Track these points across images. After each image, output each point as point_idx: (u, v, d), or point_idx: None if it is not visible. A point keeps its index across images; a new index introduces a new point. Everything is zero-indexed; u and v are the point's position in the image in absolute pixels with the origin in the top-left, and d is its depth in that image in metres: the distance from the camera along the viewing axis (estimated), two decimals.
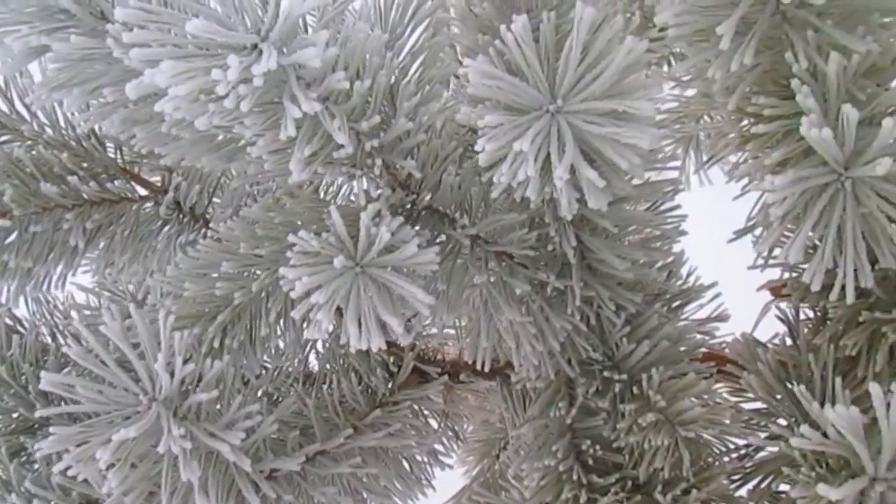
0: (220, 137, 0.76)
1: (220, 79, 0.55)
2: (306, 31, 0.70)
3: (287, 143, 0.66)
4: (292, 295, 0.67)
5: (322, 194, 0.91)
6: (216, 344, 0.79)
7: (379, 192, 0.71)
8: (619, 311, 0.85)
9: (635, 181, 0.83)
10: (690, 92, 1.10)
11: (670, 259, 0.86)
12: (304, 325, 0.82)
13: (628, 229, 0.83)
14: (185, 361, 0.74)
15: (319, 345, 1.12)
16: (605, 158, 0.63)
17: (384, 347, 0.71)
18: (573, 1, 0.74)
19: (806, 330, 0.88)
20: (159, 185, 1.00)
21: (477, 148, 0.62)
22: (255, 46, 0.58)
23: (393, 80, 0.71)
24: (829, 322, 0.80)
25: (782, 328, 1.00)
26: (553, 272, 0.83)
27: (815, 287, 0.61)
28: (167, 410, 0.70)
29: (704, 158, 1.18)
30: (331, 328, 0.70)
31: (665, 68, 1.08)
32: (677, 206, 0.85)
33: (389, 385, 1.03)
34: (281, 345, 0.88)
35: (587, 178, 0.63)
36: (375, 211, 0.68)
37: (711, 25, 0.59)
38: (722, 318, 1.03)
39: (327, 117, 0.63)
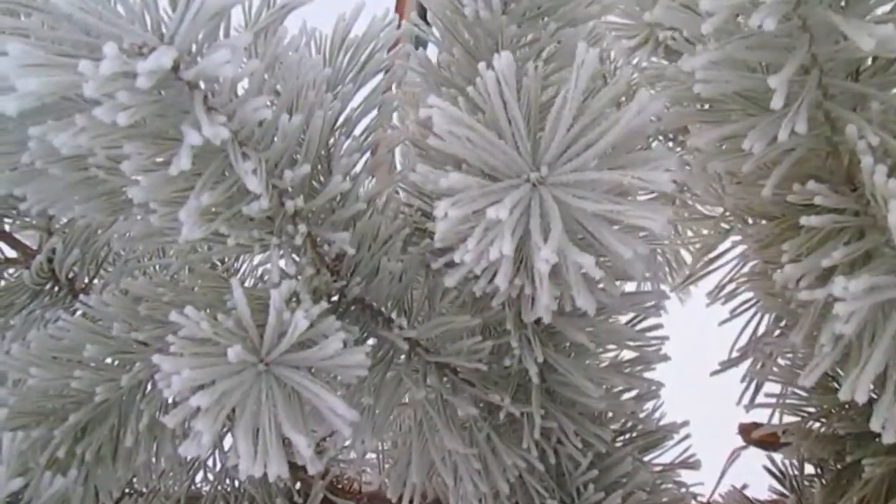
0: (101, 178, 0.59)
1: (88, 74, 0.39)
2: None
3: (182, 187, 0.49)
4: (167, 393, 0.49)
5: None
6: (62, 453, 0.59)
7: (298, 271, 0.55)
8: (584, 450, 0.68)
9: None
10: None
11: (652, 388, 0.70)
12: (184, 432, 0.63)
13: (604, 348, 0.67)
14: (16, 474, 0.54)
15: (211, 461, 0.92)
16: (601, 244, 0.49)
17: (285, 475, 0.53)
18: (564, 53, 0.61)
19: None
20: (33, 248, 0.82)
21: (437, 213, 0.46)
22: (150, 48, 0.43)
23: (332, 126, 0.56)
24: (849, 481, 0.64)
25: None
26: (507, 394, 0.66)
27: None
28: None
29: (680, 275, 1.06)
30: (216, 443, 0.52)
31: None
32: (659, 325, 0.70)
33: None
34: (153, 461, 0.68)
35: (576, 267, 0.48)
36: (291, 292, 0.51)
37: (750, 88, 0.46)
38: (693, 464, 0.87)
39: (238, 154, 0.47)
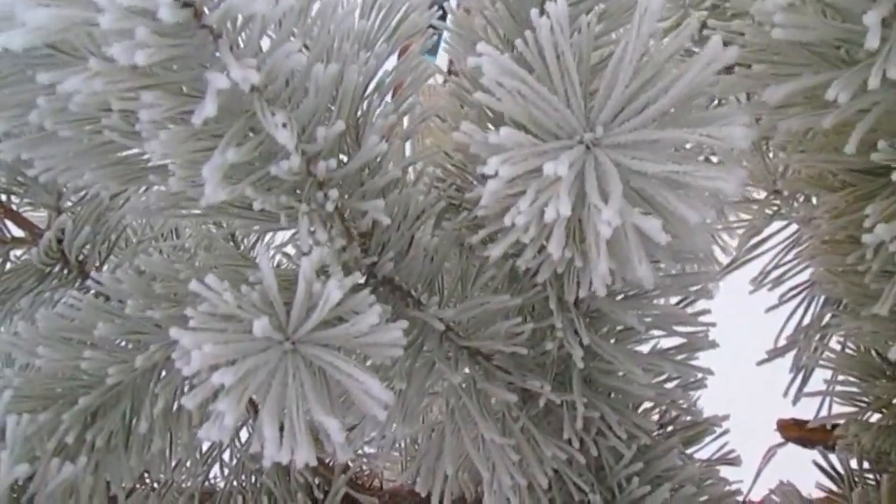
0: (114, 145, 0.55)
1: (105, 5, 0.35)
2: None
3: (203, 146, 0.45)
4: (186, 371, 0.45)
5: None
6: (71, 439, 0.54)
7: (329, 239, 0.50)
8: (629, 441, 0.64)
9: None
10: None
11: (699, 377, 0.66)
12: (203, 416, 0.59)
13: (651, 333, 0.63)
14: (21, 461, 0.50)
15: (227, 455, 0.88)
16: (663, 210, 0.44)
17: (313, 462, 0.49)
18: (613, 13, 0.57)
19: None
20: (42, 227, 0.77)
21: (487, 170, 0.42)
22: None
23: (366, 87, 0.52)
24: None
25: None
26: (546, 381, 0.62)
27: None
28: None
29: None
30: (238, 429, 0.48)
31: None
32: (707, 311, 0.65)
33: None
34: (168, 450, 0.64)
35: (636, 234, 0.43)
36: (322, 261, 0.47)
37: (831, 37, 0.42)
38: (733, 461, 0.83)
39: (266, 109, 0.43)
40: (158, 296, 0.59)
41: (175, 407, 0.59)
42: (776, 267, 0.78)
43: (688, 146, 0.46)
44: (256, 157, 0.47)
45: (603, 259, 0.43)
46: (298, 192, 0.51)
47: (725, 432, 0.81)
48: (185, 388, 0.60)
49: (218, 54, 0.41)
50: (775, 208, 0.80)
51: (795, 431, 0.95)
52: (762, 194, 0.82)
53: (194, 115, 0.39)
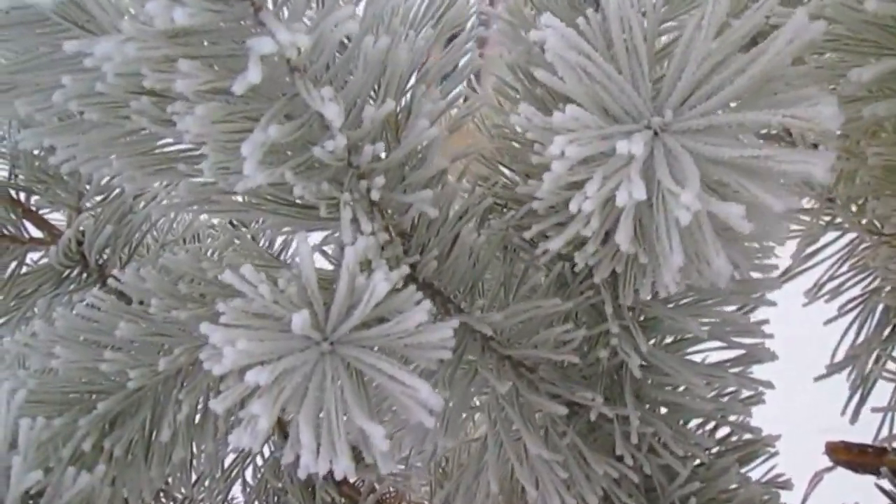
0: (140, 135, 0.51)
1: None
2: None
3: (240, 127, 0.42)
4: (216, 370, 0.41)
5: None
6: (88, 446, 0.51)
7: (373, 232, 0.46)
8: (684, 460, 0.59)
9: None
10: None
11: (758, 391, 0.61)
12: (230, 425, 0.55)
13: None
14: (35, 468, 0.46)
15: (249, 474, 0.84)
16: (739, 200, 0.40)
17: (352, 475, 0.45)
18: None
19: None
20: (61, 229, 0.74)
21: (552, 150, 0.38)
22: None
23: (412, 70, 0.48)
24: None
25: None
26: (598, 393, 0.57)
27: None
28: None
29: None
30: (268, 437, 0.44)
31: None
32: (766, 321, 0.61)
33: None
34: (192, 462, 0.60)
35: (712, 223, 0.39)
36: (367, 250, 0.43)
37: None
38: (784, 484, 0.78)
39: (310, 85, 0.39)
40: (184, 296, 0.56)
41: (199, 415, 0.55)
42: (831, 278, 0.74)
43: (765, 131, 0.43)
44: (297, 141, 0.44)
45: (677, 251, 0.39)
46: (339, 182, 0.47)
47: (775, 454, 0.76)
48: (212, 394, 0.56)
49: (262, 21, 0.37)
50: (829, 217, 0.76)
51: (845, 455, 0.90)
52: (815, 203, 0.77)
53: (235, 83, 0.36)
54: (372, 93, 0.48)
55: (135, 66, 0.38)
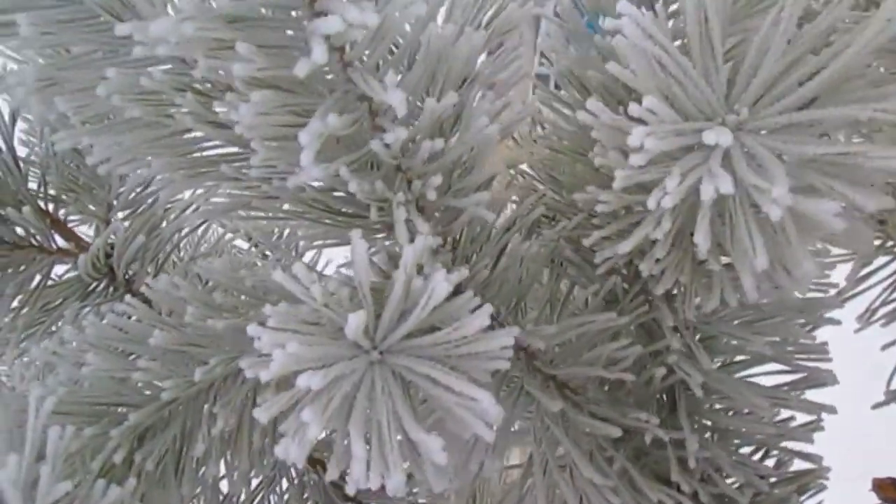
0: (184, 138, 0.49)
1: None
2: None
3: (293, 121, 0.39)
4: (263, 376, 0.39)
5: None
6: (119, 459, 0.48)
7: (427, 235, 0.44)
8: (741, 488, 0.56)
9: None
10: None
11: (819, 417, 0.58)
12: (265, 442, 0.52)
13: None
14: (61, 478, 0.44)
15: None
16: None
17: (401, 492, 0.42)
18: None
19: None
20: (88, 241, 0.72)
21: (632, 141, 0.36)
22: None
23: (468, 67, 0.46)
24: None
25: None
26: (653, 415, 0.54)
27: None
28: None
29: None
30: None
31: None
32: (826, 343, 0.58)
33: None
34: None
35: (798, 223, 0.37)
36: (426, 249, 0.40)
37: None
38: None
39: (366, 75, 0.37)
40: (219, 306, 0.53)
41: (234, 430, 0.52)
42: (883, 304, 0.71)
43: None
44: (350, 137, 0.42)
45: (761, 252, 0.36)
46: (390, 183, 0.45)
47: (823, 489, 0.73)
48: (245, 410, 0.54)
49: (318, 11, 0.35)
50: (879, 241, 0.73)
51: (893, 493, 0.87)
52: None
53: (298, 65, 0.34)
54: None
55: (188, 50, 0.36)
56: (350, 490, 0.41)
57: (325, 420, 0.39)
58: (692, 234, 0.47)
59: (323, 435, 0.46)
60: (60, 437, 0.44)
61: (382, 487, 0.42)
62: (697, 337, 0.54)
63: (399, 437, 0.40)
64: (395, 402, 0.41)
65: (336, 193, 0.50)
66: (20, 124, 0.71)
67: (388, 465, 0.39)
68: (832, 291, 0.55)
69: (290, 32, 0.38)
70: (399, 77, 0.41)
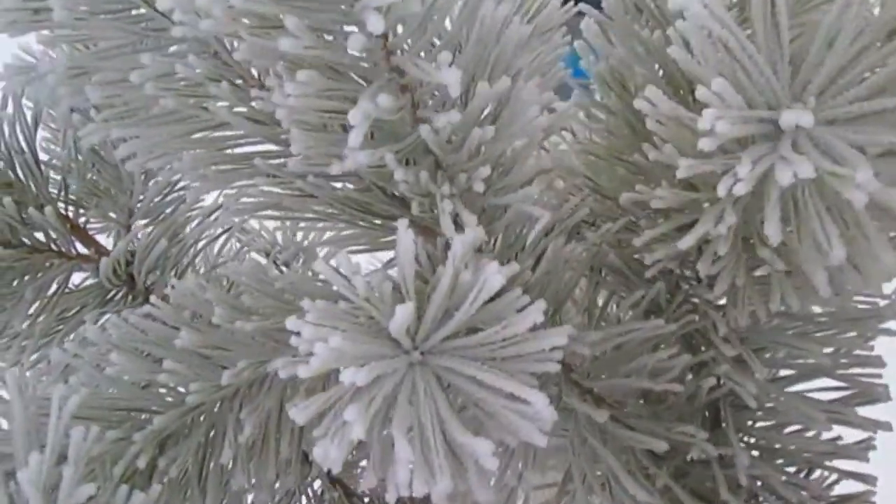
0: (218, 136, 0.48)
1: None
2: None
3: (334, 107, 0.38)
4: (303, 372, 0.36)
5: None
6: (143, 464, 0.45)
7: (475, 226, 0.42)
8: None
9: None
10: None
11: (873, 434, 0.55)
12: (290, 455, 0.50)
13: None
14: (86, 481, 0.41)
15: None
16: None
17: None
18: None
19: None
20: (107, 248, 0.70)
21: (702, 125, 0.34)
22: None
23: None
24: None
25: None
26: (700, 429, 0.52)
27: None
28: None
29: None
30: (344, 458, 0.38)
31: None
32: (879, 357, 0.55)
33: None
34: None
35: (878, 216, 0.35)
36: (477, 241, 0.38)
37: None
38: None
39: (414, 59, 0.35)
40: (248, 308, 0.51)
41: (261, 437, 0.50)
42: None
43: None
44: (395, 124, 0.40)
45: (837, 245, 0.34)
46: (434, 175, 0.43)
47: None
48: (271, 418, 0.51)
49: None
50: None
51: None
52: None
53: (351, 40, 0.32)
54: None
55: (232, 26, 0.35)
56: (390, 499, 0.38)
57: (368, 419, 0.36)
58: (745, 239, 0.46)
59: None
60: (84, 439, 0.42)
61: (423, 498, 0.40)
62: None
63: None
64: (437, 405, 0.39)
65: (372, 192, 0.48)
66: (41, 132, 0.69)
67: (435, 470, 0.37)
68: (882, 302, 0.52)
69: (342, 7, 0.36)
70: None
